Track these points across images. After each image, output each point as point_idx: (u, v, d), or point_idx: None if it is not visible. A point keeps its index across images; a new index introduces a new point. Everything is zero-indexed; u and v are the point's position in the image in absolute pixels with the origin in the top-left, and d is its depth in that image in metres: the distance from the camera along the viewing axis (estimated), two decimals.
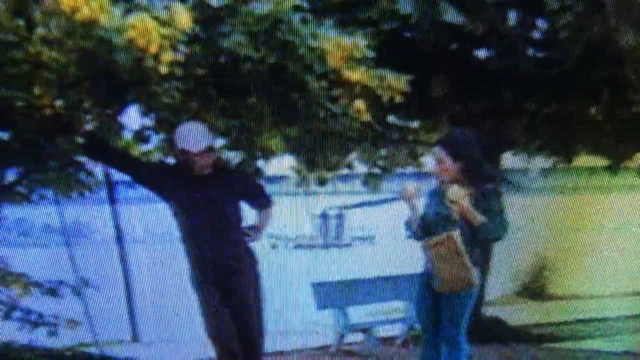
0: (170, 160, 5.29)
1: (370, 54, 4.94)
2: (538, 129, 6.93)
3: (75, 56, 4.56)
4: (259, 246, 4.86)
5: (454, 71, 6.27)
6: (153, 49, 4.48)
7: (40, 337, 6.23)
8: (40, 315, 6.23)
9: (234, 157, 5.91)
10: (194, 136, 4.60)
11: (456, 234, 4.18)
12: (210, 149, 4.65)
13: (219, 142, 5.74)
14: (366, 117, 5.12)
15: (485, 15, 5.55)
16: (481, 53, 6.49)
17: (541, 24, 6.21)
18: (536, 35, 6.30)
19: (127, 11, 4.40)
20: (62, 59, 4.63)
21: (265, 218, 4.86)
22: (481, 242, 4.25)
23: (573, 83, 6.33)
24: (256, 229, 4.82)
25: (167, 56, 4.54)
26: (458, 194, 4.16)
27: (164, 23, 4.48)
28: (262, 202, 4.84)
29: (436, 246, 4.22)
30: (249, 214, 4.80)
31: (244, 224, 4.75)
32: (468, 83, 6.36)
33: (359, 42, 4.91)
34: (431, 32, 5.49)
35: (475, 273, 4.21)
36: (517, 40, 6.05)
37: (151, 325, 7.33)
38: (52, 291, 6.28)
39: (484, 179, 4.25)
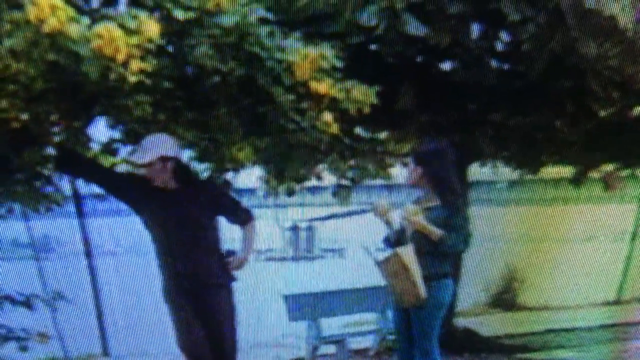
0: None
1: (338, 63, 4.97)
2: (504, 140, 6.98)
3: (41, 67, 4.54)
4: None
5: (420, 83, 6.31)
6: (120, 57, 4.47)
7: (11, 352, 6.12)
8: (10, 330, 6.10)
9: (202, 169, 5.91)
10: (143, 148, 4.55)
11: (404, 250, 4.24)
12: (162, 160, 4.52)
13: (187, 153, 5.73)
14: (334, 129, 5.15)
15: (447, 27, 5.60)
16: (446, 65, 6.53)
17: (504, 36, 6.27)
18: (499, 47, 6.36)
19: (94, 21, 4.40)
20: (29, 70, 4.62)
21: (249, 238, 4.72)
22: (444, 255, 4.30)
23: (537, 94, 6.40)
24: (241, 254, 4.66)
25: (135, 65, 4.52)
26: (411, 211, 4.25)
27: (131, 32, 4.48)
28: (240, 216, 4.72)
29: (384, 263, 4.29)
30: (232, 230, 4.75)
31: (226, 247, 4.68)
32: (434, 94, 6.41)
33: (326, 53, 4.95)
34: (396, 44, 5.53)
35: (424, 288, 4.24)
36: (480, 52, 6.10)
37: (122, 340, 7.26)
38: (23, 304, 6.15)
39: (447, 189, 4.32)
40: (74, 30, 4.30)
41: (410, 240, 4.26)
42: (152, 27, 4.53)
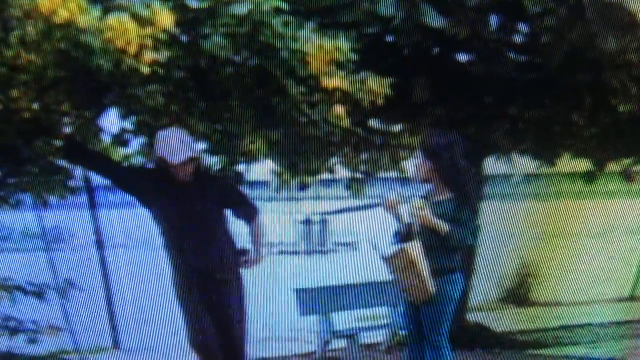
0: (151, 165, 5.19)
1: (353, 56, 4.92)
2: (520, 134, 6.92)
3: (52, 58, 4.50)
4: None
5: (436, 75, 6.25)
6: (132, 50, 4.43)
7: (20, 344, 6.13)
8: (20, 322, 6.14)
9: (215, 162, 5.86)
10: (174, 147, 4.48)
11: (411, 246, 4.20)
12: (192, 160, 4.51)
13: (200, 146, 5.68)
14: (346, 123, 5.10)
15: (466, 19, 5.53)
16: (463, 57, 6.47)
17: (523, 28, 6.20)
18: (518, 39, 6.30)
19: (106, 11, 4.34)
20: (40, 61, 4.58)
21: (258, 233, 4.67)
22: (453, 249, 4.27)
23: (555, 88, 6.34)
24: (254, 254, 4.63)
25: (148, 57, 4.48)
26: (418, 205, 4.22)
27: (144, 22, 4.43)
28: (247, 211, 4.68)
29: (392, 259, 4.26)
30: (241, 224, 4.72)
31: (237, 243, 4.65)
32: (450, 87, 6.35)
33: (341, 45, 4.89)
34: (413, 36, 5.47)
35: (432, 284, 4.22)
36: (499, 44, 6.05)
37: (132, 333, 7.23)
38: (34, 294, 6.17)
39: (457, 184, 4.28)
40: (85, 21, 4.26)
41: (418, 235, 4.23)
42: (165, 17, 4.49)
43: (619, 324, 8.31)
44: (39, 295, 6.24)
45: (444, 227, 4.20)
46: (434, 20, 5.28)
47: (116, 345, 7.38)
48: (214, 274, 4.52)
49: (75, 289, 6.42)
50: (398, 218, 4.32)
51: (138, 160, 5.67)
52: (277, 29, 4.86)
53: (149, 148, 5.37)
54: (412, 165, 4.44)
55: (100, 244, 7.00)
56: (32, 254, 6.83)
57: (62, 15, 4.26)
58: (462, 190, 4.28)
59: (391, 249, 4.25)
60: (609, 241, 8.60)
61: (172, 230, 4.54)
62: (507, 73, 6.16)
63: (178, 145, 4.46)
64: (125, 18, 4.36)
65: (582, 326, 8.37)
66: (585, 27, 5.40)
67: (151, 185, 4.59)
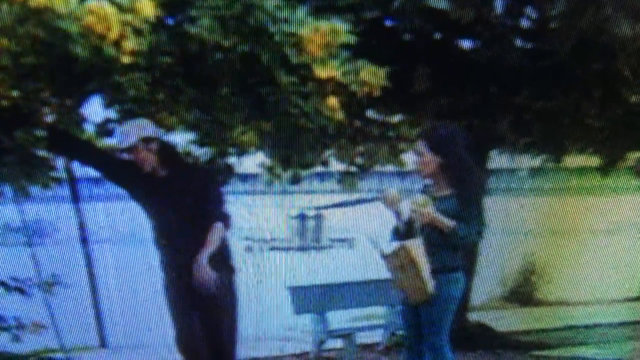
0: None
1: (351, 39, 4.77)
2: (526, 125, 6.77)
3: (28, 44, 4.33)
4: (232, 249, 4.59)
5: (438, 62, 6.08)
6: (113, 36, 4.27)
7: (3, 342, 6.10)
8: (2, 319, 6.10)
9: (204, 153, 5.69)
10: (123, 132, 4.41)
11: (412, 243, 4.08)
12: (146, 141, 4.32)
13: (188, 136, 5.49)
14: (340, 115, 5.00)
15: (471, 1, 5.31)
16: (467, 43, 6.31)
17: (531, 12, 6.03)
18: (525, 24, 6.12)
19: None
20: (17, 45, 4.42)
21: (209, 241, 4.32)
22: (456, 247, 4.15)
23: (563, 76, 6.18)
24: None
25: (129, 44, 4.33)
26: (421, 202, 4.09)
27: (124, 9, 4.25)
28: (216, 214, 4.40)
29: (391, 256, 4.14)
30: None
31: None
32: (453, 75, 6.17)
33: (337, 27, 4.68)
34: (414, 19, 5.25)
35: (431, 283, 4.09)
36: (505, 29, 5.88)
37: (119, 330, 7.08)
38: (17, 291, 6.16)
39: (463, 179, 4.13)
40: (62, 6, 4.17)
41: (420, 232, 4.10)
42: (146, 4, 4.34)
43: (627, 324, 8.20)
44: (22, 291, 6.23)
45: (448, 224, 4.06)
46: (437, 1, 5.06)
47: (103, 343, 7.24)
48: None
49: (59, 284, 6.35)
50: (398, 214, 4.18)
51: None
52: (269, 11, 4.65)
53: None
54: (414, 158, 4.26)
55: (84, 239, 6.85)
56: (14, 248, 6.70)
57: None
58: (468, 186, 4.14)
59: (391, 246, 4.12)
60: (618, 239, 8.47)
61: (159, 224, 4.41)
62: (513, 60, 5.98)
63: (126, 130, 4.39)
64: (105, 4, 4.19)
65: (588, 326, 8.28)
66: (598, 11, 5.18)
67: (136, 177, 4.46)
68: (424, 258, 4.06)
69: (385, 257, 4.16)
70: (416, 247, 4.05)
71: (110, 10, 4.26)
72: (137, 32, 4.34)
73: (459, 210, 4.09)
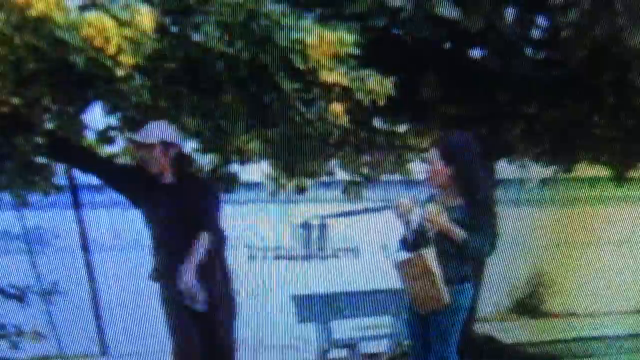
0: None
1: (356, 50, 4.71)
2: (536, 135, 6.71)
3: (25, 52, 4.30)
4: (235, 257, 4.57)
5: (446, 71, 6.01)
6: (111, 50, 4.21)
7: (4, 350, 6.09)
8: (2, 327, 6.08)
9: (207, 161, 5.62)
10: (147, 130, 4.36)
11: (427, 252, 4.02)
12: (165, 145, 4.31)
13: (191, 144, 5.41)
14: (344, 121, 4.90)
15: (482, 10, 5.24)
16: (476, 52, 6.22)
17: (542, 21, 5.93)
18: (536, 34, 6.01)
19: (84, 8, 4.22)
20: (17, 52, 4.34)
21: (195, 248, 4.24)
22: (466, 258, 4.09)
23: (574, 86, 6.10)
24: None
25: (126, 59, 4.27)
26: (434, 211, 4.03)
27: (123, 23, 4.21)
28: (207, 224, 4.29)
29: (405, 266, 4.08)
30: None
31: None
32: (462, 84, 6.10)
33: (344, 37, 4.62)
34: (423, 28, 5.16)
35: (447, 292, 4.04)
36: (515, 38, 5.77)
37: (120, 339, 7.05)
38: (16, 299, 6.14)
39: (476, 189, 4.06)
40: (61, 16, 4.10)
41: (432, 241, 4.04)
42: (146, 18, 4.31)
43: (636, 336, 8.14)
44: (20, 298, 6.18)
45: (460, 234, 4.00)
46: (447, 10, 4.96)
47: (104, 351, 7.19)
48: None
49: (60, 292, 6.36)
50: (407, 223, 4.11)
51: (124, 160, 5.47)
52: (274, 18, 4.57)
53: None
54: (424, 167, 4.22)
55: (85, 246, 6.80)
56: (14, 255, 6.65)
57: (38, 8, 4.11)
58: (479, 196, 4.07)
59: (405, 254, 4.06)
60: (628, 250, 8.39)
61: (158, 233, 4.35)
62: (523, 70, 5.89)
63: (150, 129, 4.35)
64: (104, 16, 4.17)
65: (596, 338, 8.23)
66: (611, 21, 5.07)
67: (138, 184, 4.45)
68: (438, 267, 4.01)
69: (398, 265, 4.10)
70: (431, 256, 4.01)
71: (109, 23, 4.18)
72: (134, 47, 4.26)
73: (472, 221, 4.03)
